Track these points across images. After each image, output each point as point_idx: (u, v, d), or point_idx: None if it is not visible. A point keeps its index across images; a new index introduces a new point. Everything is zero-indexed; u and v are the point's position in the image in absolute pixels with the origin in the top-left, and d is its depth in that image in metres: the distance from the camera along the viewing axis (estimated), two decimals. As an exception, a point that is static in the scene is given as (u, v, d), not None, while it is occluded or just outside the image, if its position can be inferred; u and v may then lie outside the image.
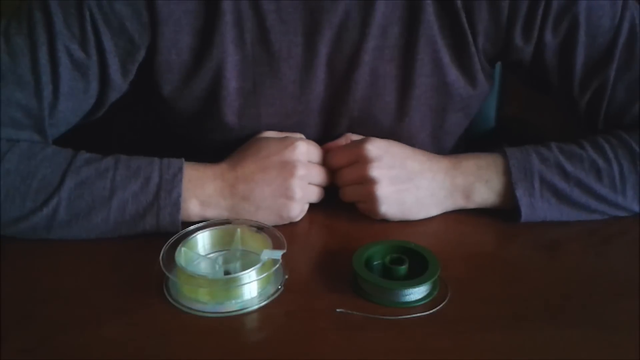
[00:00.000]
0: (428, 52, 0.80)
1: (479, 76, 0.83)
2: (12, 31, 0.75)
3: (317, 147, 0.81)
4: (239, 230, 0.72)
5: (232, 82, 0.80)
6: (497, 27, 0.79)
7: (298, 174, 0.76)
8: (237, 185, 0.76)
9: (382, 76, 0.81)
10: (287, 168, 0.76)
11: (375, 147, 0.77)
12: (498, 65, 1.14)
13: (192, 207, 0.75)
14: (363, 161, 0.77)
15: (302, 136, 0.82)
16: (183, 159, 0.76)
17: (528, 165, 0.77)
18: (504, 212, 0.79)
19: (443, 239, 0.78)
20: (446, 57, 0.81)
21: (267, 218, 0.76)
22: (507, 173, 0.77)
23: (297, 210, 0.78)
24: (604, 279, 0.71)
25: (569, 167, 0.77)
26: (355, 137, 0.83)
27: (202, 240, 0.72)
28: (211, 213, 0.76)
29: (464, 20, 0.79)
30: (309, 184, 0.79)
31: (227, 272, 0.68)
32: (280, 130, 0.83)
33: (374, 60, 0.81)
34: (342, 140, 0.83)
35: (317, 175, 0.80)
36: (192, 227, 0.72)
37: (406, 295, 0.66)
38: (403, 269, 0.68)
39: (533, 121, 1.22)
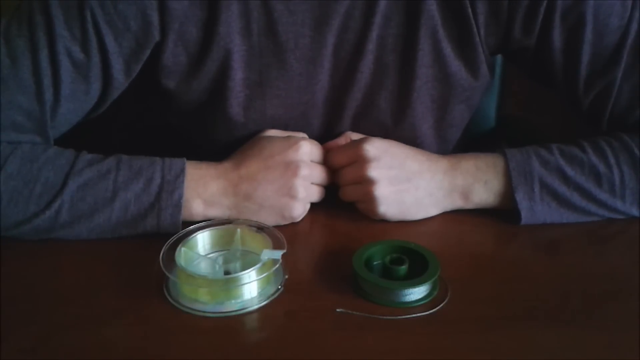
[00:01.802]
0: (429, 42, 0.80)
1: (482, 67, 0.83)
2: (12, 33, 0.75)
3: (319, 147, 0.82)
4: (239, 230, 0.72)
5: (238, 73, 0.80)
6: (498, 22, 0.79)
7: (301, 174, 0.76)
8: (240, 184, 0.76)
9: (385, 66, 0.82)
10: (291, 168, 0.76)
11: (374, 147, 0.77)
12: (499, 65, 1.14)
13: (196, 206, 0.75)
14: (362, 161, 0.77)
15: (305, 135, 0.83)
16: (185, 159, 0.76)
17: (528, 168, 0.77)
18: (503, 213, 0.79)
19: (443, 239, 0.78)
20: (448, 48, 0.81)
21: (270, 217, 0.77)
22: (507, 175, 0.77)
23: (300, 209, 0.78)
24: (604, 279, 0.71)
25: (569, 171, 0.76)
26: (355, 135, 0.83)
27: (202, 240, 0.72)
28: (214, 212, 0.76)
29: (469, 11, 0.78)
30: (312, 183, 0.79)
31: (227, 272, 0.68)
32: (285, 121, 0.84)
33: (378, 49, 0.81)
34: (342, 140, 0.83)
35: (320, 175, 0.80)
36: (192, 227, 0.72)
37: (406, 295, 0.66)
38: (403, 269, 0.68)
39: (533, 121, 1.22)
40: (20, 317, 0.64)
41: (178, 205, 0.73)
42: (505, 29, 0.80)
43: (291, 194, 0.76)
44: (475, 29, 0.79)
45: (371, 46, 0.80)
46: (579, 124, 0.86)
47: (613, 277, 0.71)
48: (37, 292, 0.68)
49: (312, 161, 0.79)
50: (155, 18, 0.76)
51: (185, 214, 0.75)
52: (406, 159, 0.78)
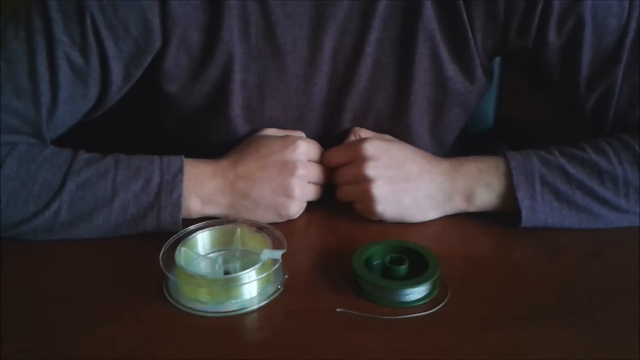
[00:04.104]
0: (426, 46, 0.80)
1: (477, 72, 0.83)
2: (9, 36, 0.74)
3: (317, 146, 0.82)
4: (238, 230, 0.72)
5: (237, 76, 0.80)
6: (495, 25, 0.79)
7: (298, 174, 0.77)
8: (237, 183, 0.76)
9: (383, 69, 0.82)
10: (288, 167, 0.76)
11: (373, 147, 0.77)
12: (498, 65, 1.15)
13: (193, 205, 0.76)
14: (360, 160, 0.77)
15: (303, 134, 0.83)
16: (183, 157, 0.76)
17: (529, 167, 0.76)
18: (504, 215, 0.78)
19: (443, 240, 0.78)
20: (444, 53, 0.81)
21: (266, 215, 0.77)
22: (509, 176, 0.76)
23: (296, 208, 0.78)
24: (604, 279, 0.71)
25: (570, 169, 0.76)
26: (364, 132, 0.84)
27: (202, 240, 0.72)
28: (211, 210, 0.77)
29: (465, 16, 0.79)
30: (308, 182, 0.79)
31: (226, 272, 0.68)
32: (283, 123, 0.84)
33: (376, 52, 0.81)
34: (351, 136, 0.84)
35: (317, 174, 0.81)
36: (192, 227, 0.72)
37: (406, 295, 0.66)
38: (403, 268, 0.68)
39: (532, 121, 1.22)
40: (20, 317, 0.64)
41: (177, 204, 0.73)
42: (502, 32, 0.80)
43: (287, 193, 0.76)
44: (470, 34, 0.80)
45: (370, 49, 0.80)
46: (583, 126, 0.86)
47: (613, 277, 0.71)
48: (37, 292, 0.68)
49: (309, 160, 0.79)
50: (156, 24, 0.76)
51: (182, 212, 0.74)
52: (406, 160, 0.78)
